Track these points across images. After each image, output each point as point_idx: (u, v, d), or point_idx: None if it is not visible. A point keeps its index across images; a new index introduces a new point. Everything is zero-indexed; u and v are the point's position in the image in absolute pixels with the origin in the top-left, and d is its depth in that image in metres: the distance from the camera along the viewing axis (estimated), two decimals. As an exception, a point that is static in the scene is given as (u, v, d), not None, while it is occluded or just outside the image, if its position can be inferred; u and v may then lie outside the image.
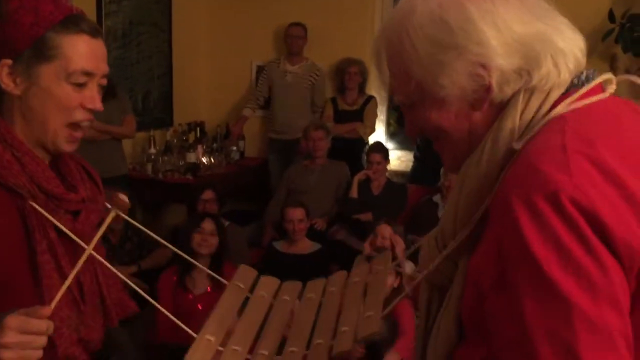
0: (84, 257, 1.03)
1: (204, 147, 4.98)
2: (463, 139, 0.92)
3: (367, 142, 4.90)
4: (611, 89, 0.88)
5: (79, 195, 1.15)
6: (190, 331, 1.04)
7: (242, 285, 1.17)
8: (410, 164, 5.00)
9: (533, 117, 0.86)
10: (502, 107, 0.88)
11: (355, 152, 4.84)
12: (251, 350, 1.03)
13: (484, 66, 0.84)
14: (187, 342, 1.04)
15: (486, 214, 0.85)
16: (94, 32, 1.11)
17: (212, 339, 1.01)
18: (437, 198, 4.16)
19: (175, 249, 1.30)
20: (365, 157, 4.58)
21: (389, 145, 5.33)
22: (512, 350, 0.74)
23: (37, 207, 1.06)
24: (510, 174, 0.80)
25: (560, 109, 0.84)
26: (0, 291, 1.03)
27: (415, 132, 0.98)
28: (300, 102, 4.95)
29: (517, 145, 0.84)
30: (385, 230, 3.35)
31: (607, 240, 0.71)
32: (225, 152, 5.14)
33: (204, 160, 4.85)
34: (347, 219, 4.26)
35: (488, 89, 0.86)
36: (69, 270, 1.07)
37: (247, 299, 1.16)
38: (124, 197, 1.11)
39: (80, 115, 1.11)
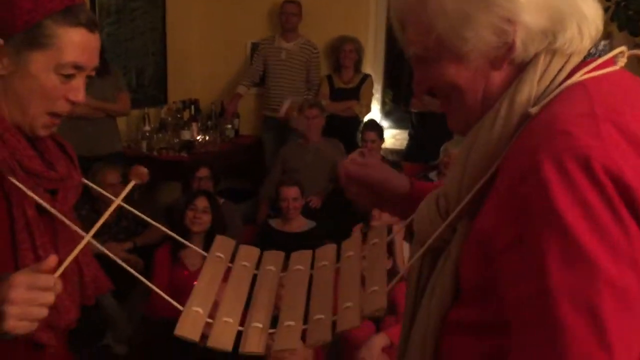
0: (83, 243, 1.02)
1: (199, 124, 4.97)
2: (475, 99, 0.90)
3: (362, 121, 4.90)
4: (622, 62, 0.89)
5: (57, 174, 1.14)
6: (176, 304, 1.02)
7: (222, 256, 1.15)
8: (405, 142, 5.02)
9: (551, 82, 0.86)
10: (520, 69, 0.87)
11: (350, 131, 4.84)
12: (242, 322, 1.02)
13: (510, 21, 0.83)
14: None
15: (492, 178, 0.85)
16: (91, 26, 1.09)
17: (200, 310, 1.00)
18: (433, 175, 4.17)
19: (165, 229, 1.30)
20: (359, 136, 4.58)
21: (385, 123, 5.33)
22: (530, 306, 0.75)
23: (18, 183, 1.05)
24: (533, 136, 0.79)
25: (577, 77, 0.85)
26: None
27: (424, 89, 0.96)
28: (295, 79, 4.93)
29: (534, 110, 0.83)
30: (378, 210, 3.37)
31: (633, 209, 0.72)
32: (219, 130, 5.13)
33: (199, 138, 4.85)
34: (342, 197, 4.27)
35: (511, 47, 0.84)
36: (46, 251, 1.07)
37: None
38: (143, 168, 1.11)
39: (61, 107, 1.11)
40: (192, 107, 5.20)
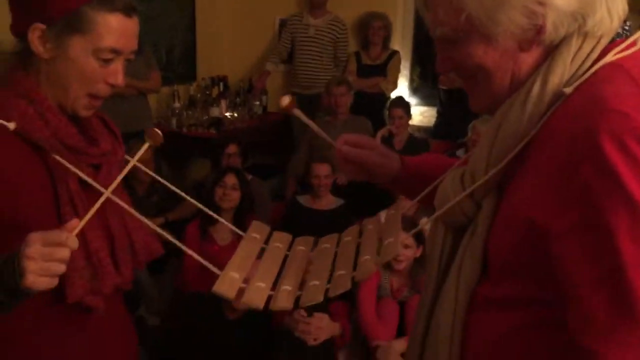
0: (102, 199, 1.05)
1: (227, 101, 5.01)
2: (503, 80, 0.91)
3: (389, 98, 4.88)
4: None
5: (100, 149, 1.20)
6: (214, 268, 1.08)
7: (257, 236, 1.22)
8: (433, 119, 4.99)
9: (582, 63, 0.87)
10: (549, 51, 0.88)
11: (377, 108, 4.84)
12: (273, 288, 1.08)
13: (541, 4, 0.83)
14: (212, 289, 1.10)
15: (521, 155, 0.87)
16: (128, 11, 1.14)
17: (236, 275, 1.06)
18: (460, 152, 4.15)
19: (197, 203, 1.35)
20: (386, 113, 4.58)
21: (412, 100, 5.30)
22: (601, 286, 0.77)
23: (59, 159, 1.11)
24: (579, 117, 0.80)
25: (610, 57, 0.86)
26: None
27: (449, 69, 0.97)
28: (323, 56, 4.93)
29: (569, 90, 0.85)
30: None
31: None
32: (248, 107, 5.17)
33: (227, 114, 4.89)
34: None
35: (541, 29, 0.85)
36: (98, 218, 1.11)
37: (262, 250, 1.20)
38: (157, 131, 1.14)
39: (101, 89, 1.15)
40: (221, 84, 5.25)
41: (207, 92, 5.16)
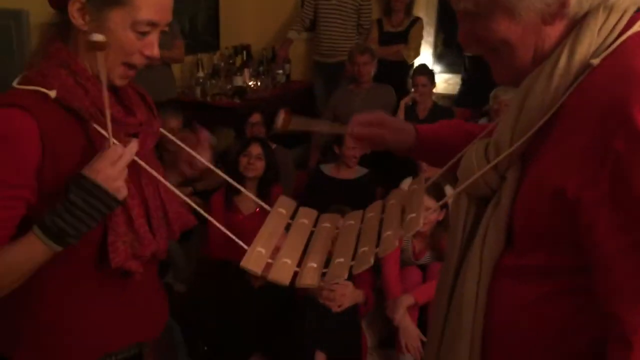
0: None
1: (251, 70, 5.02)
2: (526, 54, 0.91)
3: (412, 65, 4.83)
4: None
5: (137, 119, 1.23)
6: (241, 243, 1.12)
7: (283, 211, 1.24)
8: (458, 87, 4.94)
9: (608, 34, 0.87)
10: (572, 25, 0.88)
11: (400, 76, 4.80)
12: (299, 265, 1.10)
13: None
14: (237, 258, 1.13)
15: (545, 127, 0.88)
16: None
17: (262, 250, 1.09)
18: (483, 121, 4.12)
19: (223, 174, 1.37)
20: (410, 81, 4.54)
21: (436, 68, 5.25)
22: (630, 256, 0.79)
23: (99, 128, 1.15)
24: (609, 87, 0.80)
25: (636, 27, 0.86)
26: None
27: (471, 42, 0.98)
28: (346, 24, 4.89)
29: (596, 62, 0.85)
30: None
31: None
32: (271, 76, 5.17)
33: (251, 83, 4.90)
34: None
35: (565, 2, 0.86)
36: (130, 189, 1.16)
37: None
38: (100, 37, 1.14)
39: (137, 60, 1.18)
40: (244, 52, 5.25)
41: (231, 61, 5.16)
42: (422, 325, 2.71)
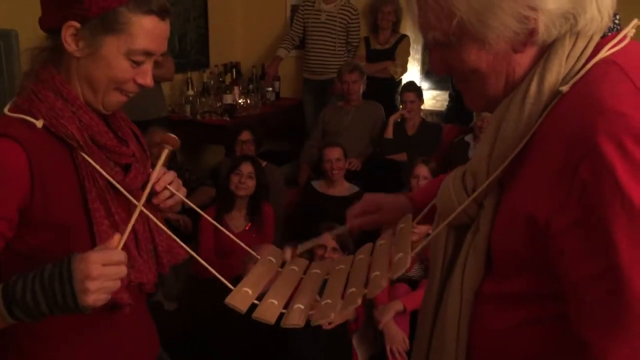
0: (135, 214, 1.11)
1: (240, 88, 5.03)
2: (497, 81, 0.92)
3: (400, 82, 4.87)
4: (631, 33, 0.91)
5: (130, 150, 1.21)
6: (227, 283, 1.13)
7: (273, 260, 1.25)
8: (446, 103, 4.98)
9: (576, 61, 0.88)
10: (542, 51, 0.89)
11: (389, 93, 4.84)
12: (285, 307, 1.10)
13: (533, 8, 0.84)
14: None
15: (520, 153, 0.88)
16: (162, 14, 1.13)
17: (249, 291, 1.09)
18: (469, 138, 4.16)
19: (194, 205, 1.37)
20: (398, 98, 4.57)
21: (424, 84, 5.30)
22: (600, 280, 0.78)
23: (87, 157, 1.13)
24: (577, 116, 0.81)
25: (603, 53, 0.87)
26: (60, 236, 1.11)
27: (443, 72, 0.97)
28: (335, 41, 4.93)
29: (566, 89, 0.86)
30: (421, 171, 3.40)
31: None
32: (260, 93, 5.20)
33: (240, 101, 4.92)
34: (382, 160, 4.30)
35: (532, 31, 0.86)
36: (120, 217, 1.15)
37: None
38: (173, 135, 1.16)
39: (130, 87, 1.16)
40: (234, 70, 5.27)
41: (220, 79, 5.18)
42: (414, 332, 2.72)
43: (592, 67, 0.86)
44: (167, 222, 1.32)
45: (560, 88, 0.86)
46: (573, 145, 0.80)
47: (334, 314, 1.04)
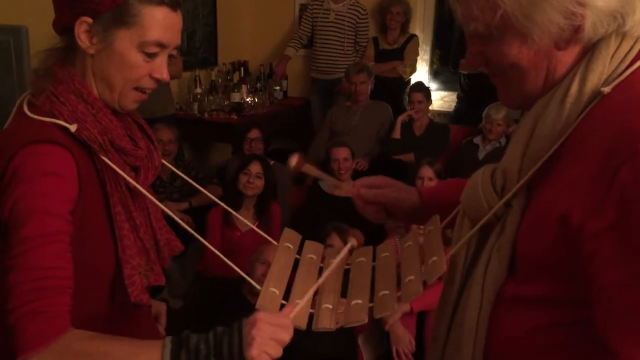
0: (323, 275, 1.11)
1: (248, 86, 5.03)
2: (537, 78, 0.90)
3: (408, 82, 4.86)
4: None
5: (142, 151, 1.21)
6: (256, 284, 1.13)
7: (290, 246, 1.24)
8: (454, 104, 4.97)
9: (620, 62, 0.86)
10: (585, 51, 0.87)
11: (397, 93, 4.82)
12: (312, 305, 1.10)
13: (581, 4, 0.82)
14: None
15: (554, 154, 0.86)
16: (174, 5, 1.12)
17: (276, 291, 1.09)
18: (477, 140, 4.14)
19: (214, 197, 1.36)
20: (406, 98, 4.57)
21: (433, 85, 5.28)
22: (632, 288, 0.76)
23: (108, 161, 1.12)
24: (620, 118, 0.79)
25: None
26: (83, 240, 1.08)
27: (478, 65, 0.95)
28: (343, 41, 4.92)
29: (607, 90, 0.84)
30: (426, 172, 3.39)
31: None
32: (268, 92, 5.19)
33: (248, 99, 4.92)
34: (389, 160, 4.29)
35: (578, 28, 0.84)
36: (140, 221, 1.15)
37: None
38: (359, 234, 1.13)
39: (146, 83, 1.15)
40: (242, 69, 5.27)
41: (228, 78, 5.19)
42: (420, 334, 2.71)
43: (635, 69, 0.85)
44: (168, 221, 1.32)
45: (602, 89, 0.84)
46: (614, 147, 0.78)
47: (366, 316, 1.04)
